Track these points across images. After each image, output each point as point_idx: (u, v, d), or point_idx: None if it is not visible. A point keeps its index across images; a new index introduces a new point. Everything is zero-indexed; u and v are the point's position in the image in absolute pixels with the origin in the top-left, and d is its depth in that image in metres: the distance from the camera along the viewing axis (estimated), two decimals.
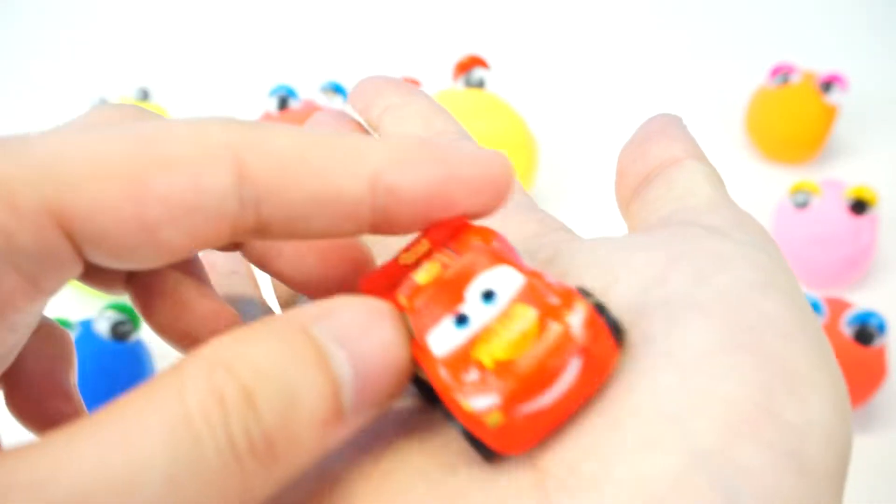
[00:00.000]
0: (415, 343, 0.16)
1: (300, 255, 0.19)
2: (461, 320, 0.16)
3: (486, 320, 0.16)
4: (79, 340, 0.44)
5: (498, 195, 0.17)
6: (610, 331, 0.15)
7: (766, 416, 0.15)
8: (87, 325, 0.45)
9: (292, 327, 0.15)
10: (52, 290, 0.16)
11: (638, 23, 0.76)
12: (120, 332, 0.45)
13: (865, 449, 0.46)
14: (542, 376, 0.15)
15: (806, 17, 0.75)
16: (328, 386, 0.14)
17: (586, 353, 0.15)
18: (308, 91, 0.57)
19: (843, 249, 0.52)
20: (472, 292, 0.16)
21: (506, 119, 0.55)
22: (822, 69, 0.61)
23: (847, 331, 0.45)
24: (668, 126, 0.22)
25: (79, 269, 0.16)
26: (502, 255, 0.17)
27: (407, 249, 0.17)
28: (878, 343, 0.45)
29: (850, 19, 0.75)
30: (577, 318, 0.15)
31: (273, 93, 0.56)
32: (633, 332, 0.16)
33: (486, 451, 0.15)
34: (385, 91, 0.24)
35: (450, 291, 0.16)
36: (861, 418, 0.47)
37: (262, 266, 0.20)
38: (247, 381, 0.14)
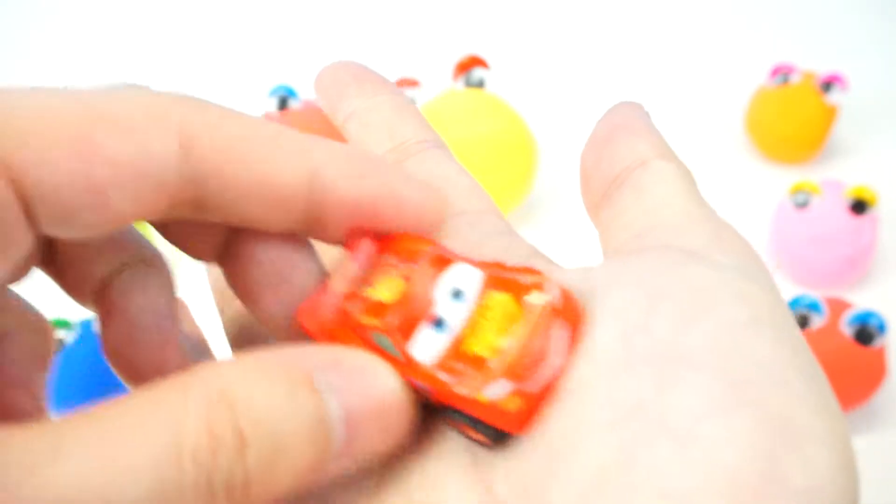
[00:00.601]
0: (400, 362, 0.16)
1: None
2: (439, 324, 0.16)
3: (463, 316, 0.16)
4: (78, 340, 0.44)
5: (425, 226, 0.18)
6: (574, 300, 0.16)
7: (772, 485, 0.14)
8: (87, 326, 0.45)
9: (299, 373, 0.15)
10: (2, 259, 0.15)
11: (638, 23, 0.76)
12: None
13: (865, 449, 0.46)
14: (539, 351, 0.15)
15: (806, 17, 0.75)
16: (319, 441, 0.14)
17: (566, 320, 0.16)
18: (308, 91, 0.57)
19: (843, 249, 0.52)
20: (440, 294, 0.16)
21: (506, 119, 0.55)
22: (822, 69, 0.61)
23: (847, 331, 0.45)
24: (631, 119, 0.21)
25: (28, 236, 0.15)
26: (452, 254, 0.17)
27: (333, 277, 0.17)
28: (878, 343, 0.45)
29: (850, 19, 0.75)
30: (550, 292, 0.16)
31: (273, 93, 0.56)
32: (623, 396, 0.15)
33: (495, 435, 0.15)
34: (348, 91, 0.23)
35: (417, 300, 0.16)
36: (861, 418, 0.47)
37: (237, 288, 0.19)
38: (244, 426, 0.14)
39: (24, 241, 0.15)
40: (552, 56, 0.73)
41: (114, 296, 0.18)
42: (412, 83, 0.57)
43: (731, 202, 0.60)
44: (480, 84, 0.57)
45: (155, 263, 0.19)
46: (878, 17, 0.75)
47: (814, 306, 0.45)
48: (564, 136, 0.65)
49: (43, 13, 0.78)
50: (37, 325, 0.19)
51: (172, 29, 0.76)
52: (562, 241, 0.58)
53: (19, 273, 0.17)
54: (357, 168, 0.17)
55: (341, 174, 0.17)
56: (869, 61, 0.69)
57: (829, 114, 0.60)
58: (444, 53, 0.62)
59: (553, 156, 0.62)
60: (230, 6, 0.78)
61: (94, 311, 0.19)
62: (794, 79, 0.60)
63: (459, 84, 0.57)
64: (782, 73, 0.61)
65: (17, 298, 0.19)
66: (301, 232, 0.17)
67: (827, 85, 0.59)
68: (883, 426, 0.47)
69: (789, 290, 0.52)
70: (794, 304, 0.46)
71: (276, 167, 0.16)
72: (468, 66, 0.57)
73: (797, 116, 0.60)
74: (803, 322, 0.45)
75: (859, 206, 0.52)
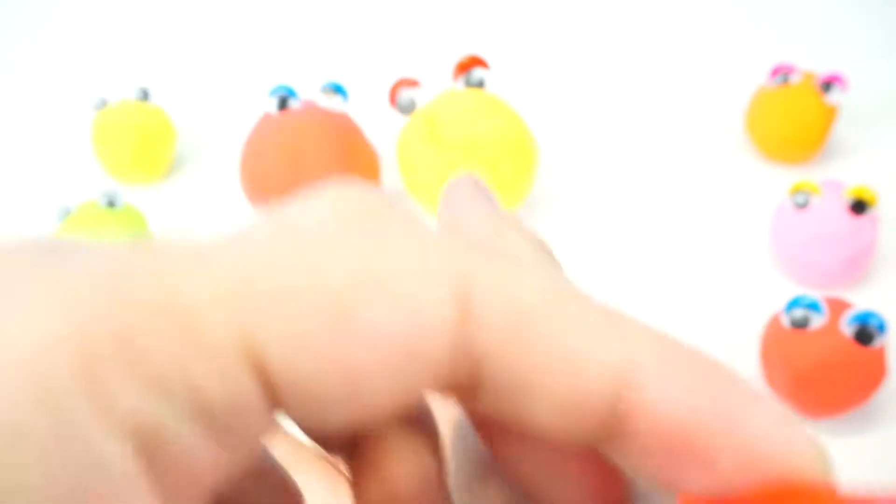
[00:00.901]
0: None
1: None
2: None
3: None
4: None
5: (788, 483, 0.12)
6: None
7: None
8: None
9: None
10: (237, 451, 0.12)
11: (638, 22, 0.76)
12: None
13: (865, 449, 0.46)
14: None
15: (806, 17, 0.75)
16: None
17: None
18: (308, 91, 0.57)
19: (843, 249, 0.52)
20: None
21: (506, 119, 0.55)
22: (822, 69, 0.61)
23: (847, 331, 0.45)
24: (467, 199, 0.17)
25: (269, 423, 0.12)
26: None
27: None
28: (878, 343, 0.45)
29: (850, 19, 0.75)
30: None
31: (273, 93, 0.56)
32: None
33: None
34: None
35: None
36: (861, 418, 0.47)
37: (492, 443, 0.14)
38: None
39: (264, 426, 0.12)
40: (552, 56, 0.73)
41: (368, 452, 0.14)
42: (412, 83, 0.57)
43: (731, 202, 0.60)
44: (480, 84, 0.57)
45: (419, 413, 0.14)
46: (878, 17, 0.75)
47: (814, 306, 0.45)
48: (564, 136, 0.65)
49: (43, 12, 0.78)
50: (284, 489, 0.16)
51: (173, 29, 0.76)
52: (561, 241, 0.58)
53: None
54: (687, 376, 0.12)
55: (665, 382, 0.12)
56: (869, 61, 0.69)
57: (829, 114, 0.60)
58: (444, 53, 0.62)
59: (553, 156, 0.62)
60: (230, 6, 0.78)
61: (341, 461, 0.15)
62: (794, 79, 0.60)
63: (459, 84, 0.57)
64: (782, 73, 0.61)
65: (279, 473, 0.16)
66: (597, 444, 0.13)
67: (827, 85, 0.59)
68: (883, 426, 0.47)
69: (789, 290, 0.52)
70: (794, 303, 0.46)
71: (577, 354, 0.12)
72: (468, 66, 0.57)
73: (797, 116, 0.60)
74: (803, 322, 0.45)
75: (859, 206, 0.52)
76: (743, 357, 0.50)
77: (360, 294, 0.12)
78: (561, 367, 0.12)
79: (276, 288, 0.12)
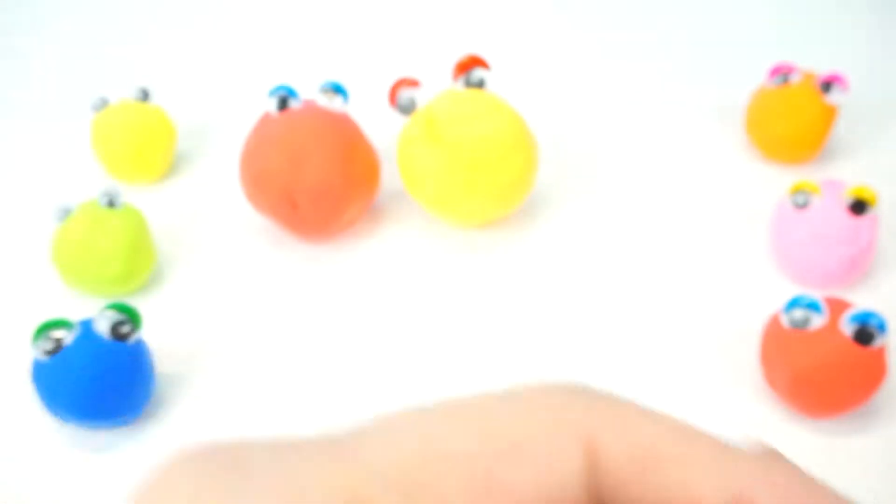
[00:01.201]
0: None
1: None
2: None
3: None
4: (79, 340, 0.44)
5: None
6: None
7: None
8: (87, 325, 0.45)
9: None
10: None
11: (638, 22, 0.76)
12: (120, 333, 0.45)
13: (865, 449, 0.46)
14: None
15: (806, 17, 0.75)
16: None
17: None
18: (308, 91, 0.57)
19: (843, 249, 0.52)
20: None
21: (506, 119, 0.55)
22: (822, 69, 0.61)
23: (847, 331, 0.45)
24: None
25: None
26: None
27: None
28: (878, 343, 0.45)
29: (850, 19, 0.75)
30: None
31: (273, 93, 0.56)
32: None
33: None
34: None
35: None
36: (861, 418, 0.47)
37: None
38: None
39: None
40: (552, 56, 0.73)
41: None
42: (412, 83, 0.57)
43: (731, 202, 0.60)
44: (480, 84, 0.57)
45: None
46: (878, 17, 0.75)
47: (814, 306, 0.45)
48: (564, 136, 0.65)
49: (42, 12, 0.78)
50: None
51: (173, 29, 0.76)
52: (562, 241, 0.58)
53: None
54: (792, 498, 0.14)
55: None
56: (869, 61, 0.69)
57: (829, 114, 0.60)
58: (444, 53, 0.62)
59: (553, 156, 0.62)
60: (230, 6, 0.78)
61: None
62: (794, 79, 0.60)
63: (459, 84, 0.57)
64: (782, 73, 0.61)
65: None
66: None
67: (827, 85, 0.59)
68: (883, 426, 0.47)
69: (789, 290, 0.52)
70: (794, 303, 0.46)
71: (691, 488, 0.13)
72: (468, 66, 0.57)
73: (797, 116, 0.60)
74: (803, 322, 0.45)
75: (859, 206, 0.52)
76: (743, 357, 0.50)
77: (497, 458, 0.13)
78: (678, 500, 0.13)
79: (425, 465, 0.13)
